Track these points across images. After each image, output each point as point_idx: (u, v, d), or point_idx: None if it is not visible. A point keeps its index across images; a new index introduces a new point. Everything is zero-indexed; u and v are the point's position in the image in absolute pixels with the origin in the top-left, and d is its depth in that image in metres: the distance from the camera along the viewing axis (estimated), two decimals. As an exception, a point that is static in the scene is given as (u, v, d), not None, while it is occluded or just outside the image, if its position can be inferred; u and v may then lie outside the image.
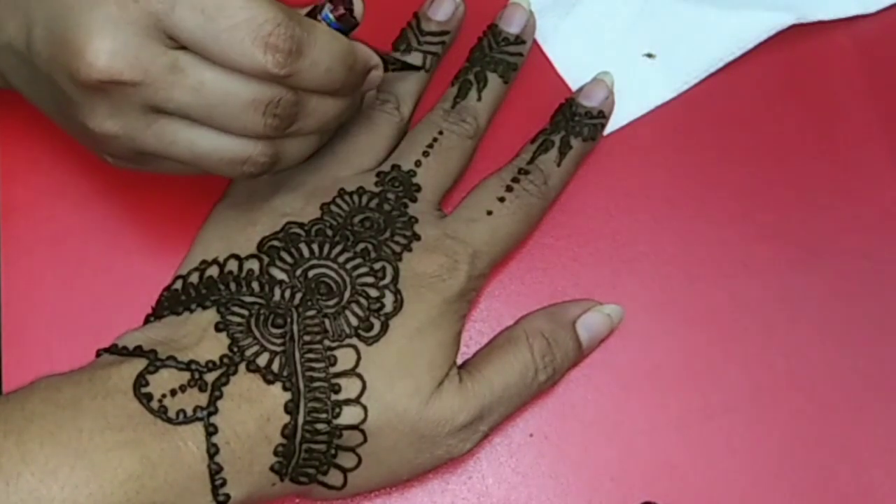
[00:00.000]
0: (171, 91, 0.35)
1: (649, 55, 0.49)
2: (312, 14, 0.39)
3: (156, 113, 0.36)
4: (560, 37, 0.49)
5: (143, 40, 0.34)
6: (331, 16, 0.38)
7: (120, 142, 0.37)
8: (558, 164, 0.45)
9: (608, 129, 0.47)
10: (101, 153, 0.39)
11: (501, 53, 0.46)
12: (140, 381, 0.37)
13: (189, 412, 0.37)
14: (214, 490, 0.37)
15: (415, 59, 0.46)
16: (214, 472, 0.37)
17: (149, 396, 0.36)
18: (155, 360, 0.37)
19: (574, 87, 0.48)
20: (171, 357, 0.37)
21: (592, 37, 0.49)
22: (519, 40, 0.47)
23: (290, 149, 0.39)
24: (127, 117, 0.36)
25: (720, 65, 0.48)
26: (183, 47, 0.35)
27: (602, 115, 0.46)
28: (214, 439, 0.37)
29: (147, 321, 0.41)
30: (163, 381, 0.37)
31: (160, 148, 0.37)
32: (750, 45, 0.48)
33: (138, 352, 0.38)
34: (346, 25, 0.39)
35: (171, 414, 0.36)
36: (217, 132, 0.37)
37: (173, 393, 0.37)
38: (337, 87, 0.38)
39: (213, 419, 0.37)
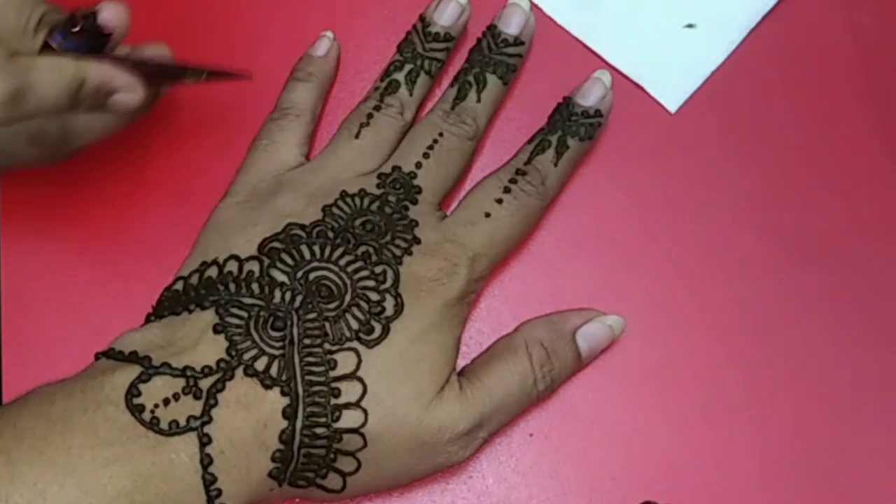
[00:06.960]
0: None
1: (690, 25, 0.49)
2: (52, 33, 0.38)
3: None
4: (602, 31, 0.49)
5: None
6: (64, 39, 0.38)
7: None
8: (555, 165, 0.45)
9: (687, 101, 0.48)
10: None
11: (500, 55, 0.46)
12: (132, 391, 0.36)
13: (182, 422, 0.36)
14: (210, 501, 0.36)
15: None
16: (209, 482, 0.36)
17: (140, 408, 0.36)
18: (148, 368, 0.37)
19: (635, 78, 0.49)
20: (165, 364, 0.37)
21: (632, 22, 0.49)
22: (518, 41, 0.46)
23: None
24: None
25: (758, 18, 0.49)
26: None
27: (599, 115, 0.46)
28: (208, 450, 0.36)
29: (147, 321, 0.41)
30: (156, 389, 0.36)
31: None
32: None
33: (133, 357, 0.37)
34: (89, 42, 0.38)
35: (164, 425, 0.36)
36: None
37: (166, 402, 0.36)
38: (74, 108, 0.39)
39: (206, 428, 0.36)
